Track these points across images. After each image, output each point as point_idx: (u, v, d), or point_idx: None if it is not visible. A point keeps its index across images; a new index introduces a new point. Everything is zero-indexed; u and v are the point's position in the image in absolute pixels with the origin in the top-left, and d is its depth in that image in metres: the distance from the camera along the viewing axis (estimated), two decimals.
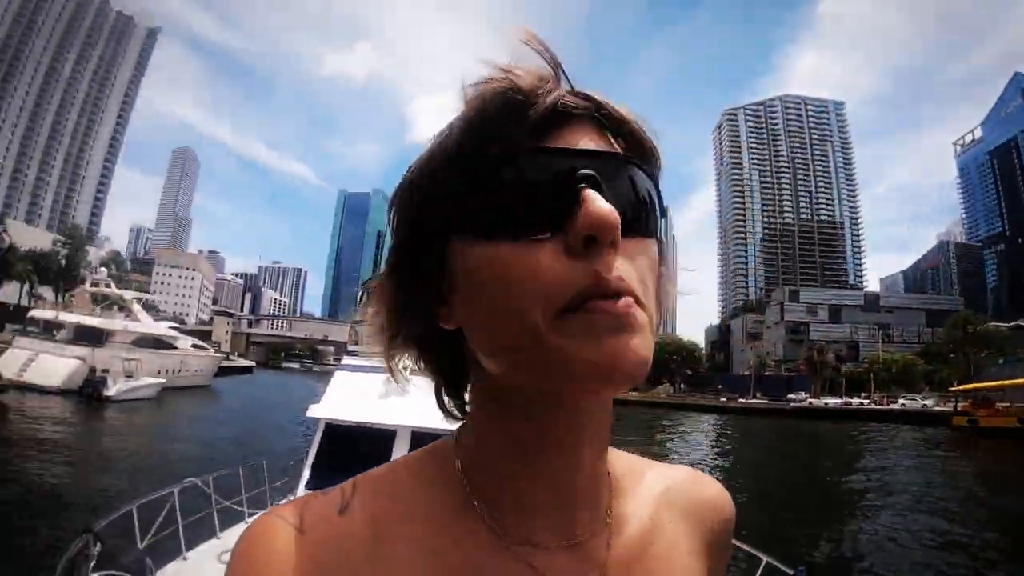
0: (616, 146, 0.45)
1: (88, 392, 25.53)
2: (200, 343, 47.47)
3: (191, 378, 39.30)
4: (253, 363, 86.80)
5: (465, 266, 0.43)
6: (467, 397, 0.53)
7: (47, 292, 68.48)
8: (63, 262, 72.53)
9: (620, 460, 0.59)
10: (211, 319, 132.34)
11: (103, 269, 53.19)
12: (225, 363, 58.85)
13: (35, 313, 37.19)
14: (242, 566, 0.43)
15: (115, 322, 34.91)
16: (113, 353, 31.61)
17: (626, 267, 0.40)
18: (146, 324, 38.25)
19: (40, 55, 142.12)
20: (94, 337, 32.31)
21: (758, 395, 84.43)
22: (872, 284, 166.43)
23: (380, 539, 0.46)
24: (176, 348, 38.62)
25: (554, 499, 0.48)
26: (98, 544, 3.94)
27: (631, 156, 0.45)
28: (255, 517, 0.50)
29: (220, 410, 29.24)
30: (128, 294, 43.11)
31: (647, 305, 0.41)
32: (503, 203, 0.41)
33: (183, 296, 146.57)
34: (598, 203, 0.38)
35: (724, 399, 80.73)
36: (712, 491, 0.61)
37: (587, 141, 0.43)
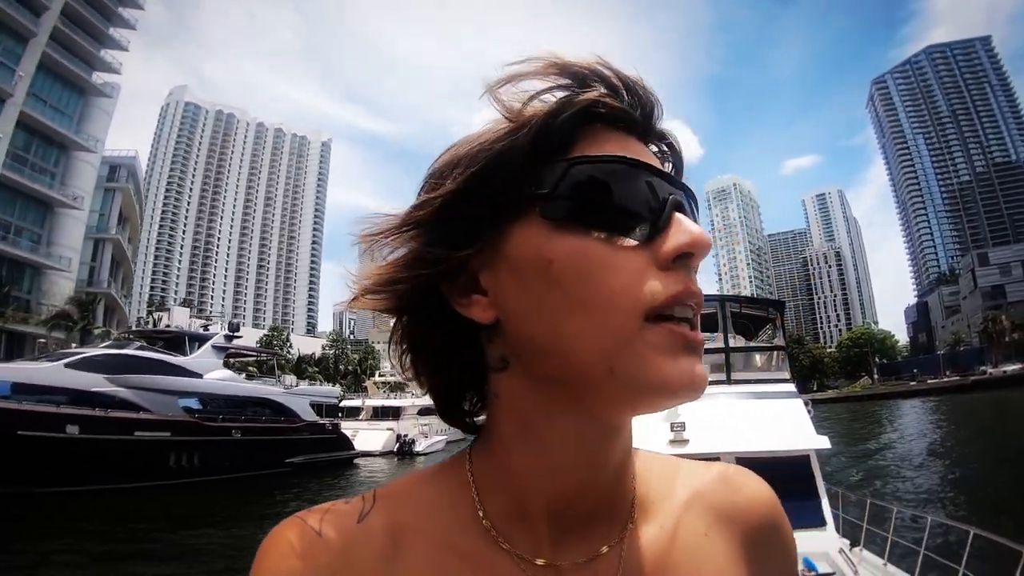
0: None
1: (405, 451, 41.89)
2: None
3: (457, 432, 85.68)
4: None
5: (544, 253, 0.52)
6: (467, 407, 0.66)
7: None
8: (333, 362, 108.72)
9: (648, 464, 0.69)
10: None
11: (386, 365, 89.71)
12: None
13: (345, 403, 53.20)
14: (262, 561, 0.57)
15: (405, 400, 51.39)
16: (409, 422, 47.23)
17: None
18: (425, 398, 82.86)
19: (236, 185, 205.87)
20: (392, 413, 49.04)
21: (948, 373, 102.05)
22: None
23: (394, 549, 0.58)
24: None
25: (571, 513, 0.59)
26: None
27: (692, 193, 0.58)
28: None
29: None
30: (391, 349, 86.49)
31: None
32: (607, 200, 0.52)
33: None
34: (694, 224, 0.52)
35: (913, 383, 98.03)
36: (746, 489, 0.70)
37: (662, 164, 0.59)
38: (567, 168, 0.52)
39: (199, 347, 30.79)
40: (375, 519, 0.60)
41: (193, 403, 28.69)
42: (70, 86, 48.13)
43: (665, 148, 0.61)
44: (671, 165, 0.62)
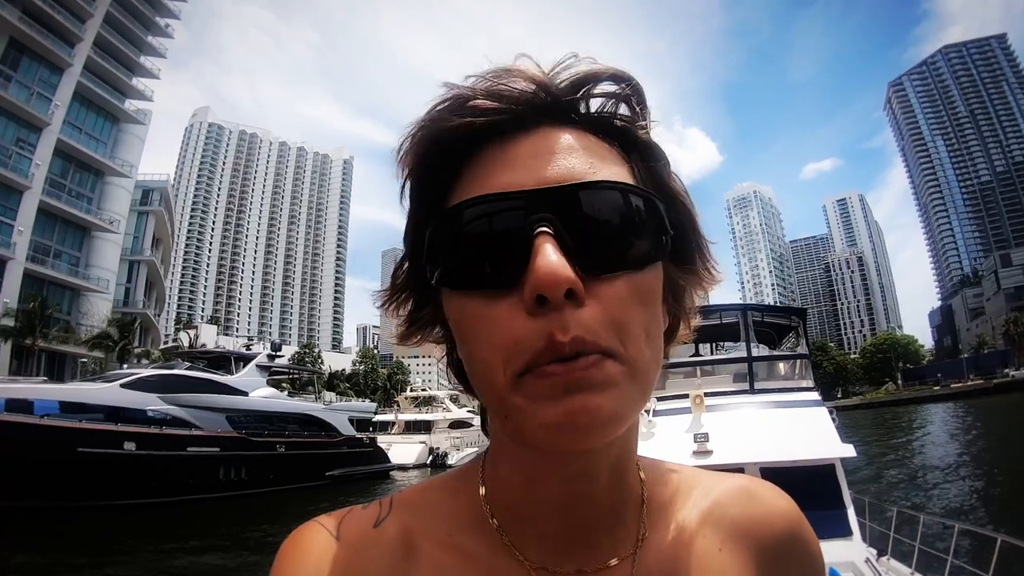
0: (609, 150, 0.55)
1: (439, 463, 42.59)
2: None
3: (486, 445, 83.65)
4: None
5: (447, 311, 0.55)
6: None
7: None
8: (363, 378, 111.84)
9: (660, 475, 0.68)
10: (454, 398, 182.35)
11: (417, 380, 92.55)
12: None
13: (377, 417, 53.35)
14: (281, 562, 0.59)
15: (437, 415, 53.57)
16: (441, 436, 49.02)
17: (594, 316, 0.47)
18: (455, 412, 55.26)
19: (260, 203, 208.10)
20: (423, 427, 50.70)
21: (971, 376, 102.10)
22: None
23: (407, 551, 0.60)
24: (473, 425, 53.04)
25: (570, 526, 0.59)
26: None
27: (607, 180, 0.51)
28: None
29: None
30: (440, 393, 61.64)
31: (626, 350, 0.48)
32: (465, 256, 0.50)
33: (425, 379, 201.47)
34: (544, 259, 0.45)
35: (937, 388, 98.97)
36: (767, 504, 0.68)
37: (562, 161, 0.51)
38: (431, 232, 0.53)
39: (244, 366, 32.32)
40: (390, 523, 0.62)
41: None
42: (104, 114, 49.77)
43: (615, 88, 0.56)
44: (634, 103, 0.56)
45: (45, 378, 32.07)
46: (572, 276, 0.45)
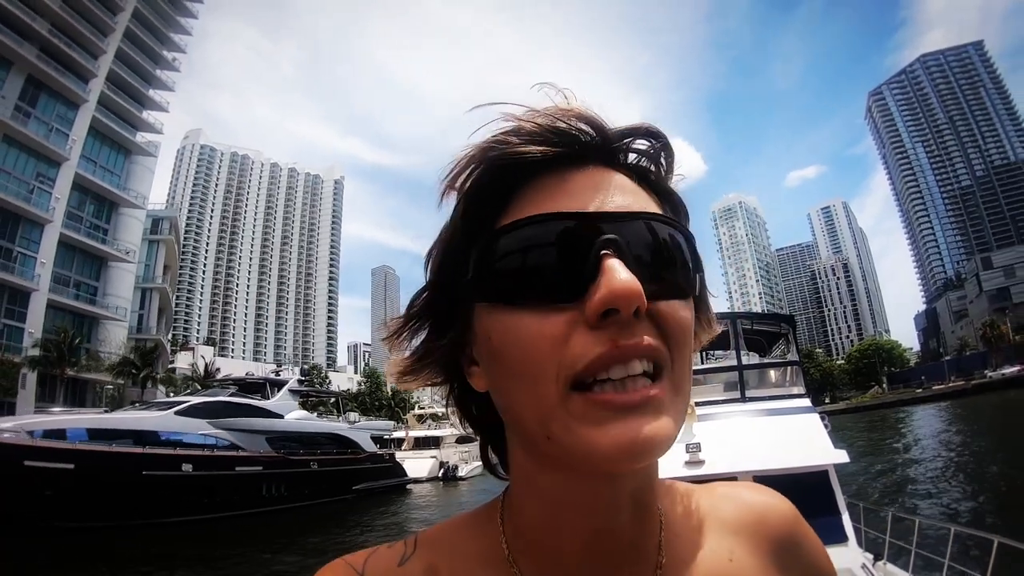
0: (648, 195, 0.58)
1: (451, 476, 45.80)
2: None
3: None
4: None
5: (487, 331, 0.54)
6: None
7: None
8: (368, 397, 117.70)
9: (671, 496, 0.69)
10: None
11: (424, 398, 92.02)
12: None
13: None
14: None
15: (445, 431, 55.32)
16: (450, 450, 51.10)
17: (652, 333, 0.50)
18: (461, 428, 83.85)
19: (253, 224, 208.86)
20: (433, 442, 53.34)
21: (953, 378, 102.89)
22: None
23: None
24: (476, 439, 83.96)
25: (594, 557, 0.59)
26: None
27: (662, 213, 0.56)
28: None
29: None
30: (449, 409, 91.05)
31: (675, 371, 0.51)
32: (523, 270, 0.51)
33: (431, 396, 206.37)
34: (618, 274, 0.47)
35: (920, 390, 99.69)
36: (755, 505, 0.70)
37: (616, 194, 0.54)
38: (485, 246, 0.54)
39: (276, 391, 34.58)
40: (415, 563, 0.63)
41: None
42: (117, 147, 51.60)
43: (650, 143, 0.60)
44: (663, 158, 0.60)
45: (106, 408, 34.89)
46: (642, 292, 0.48)
